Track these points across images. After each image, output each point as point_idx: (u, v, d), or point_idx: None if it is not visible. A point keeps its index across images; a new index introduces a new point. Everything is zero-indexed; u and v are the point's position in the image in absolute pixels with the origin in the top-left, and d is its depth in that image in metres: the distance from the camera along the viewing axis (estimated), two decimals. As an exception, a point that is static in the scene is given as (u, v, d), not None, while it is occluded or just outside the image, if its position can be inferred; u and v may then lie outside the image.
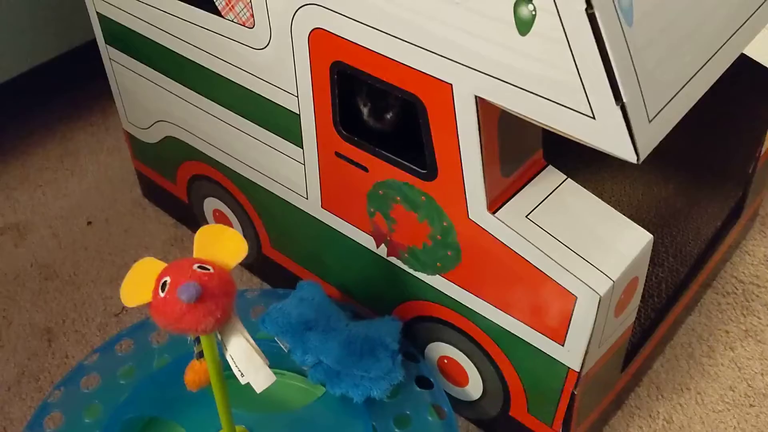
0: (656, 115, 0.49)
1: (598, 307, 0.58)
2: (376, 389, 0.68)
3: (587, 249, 0.59)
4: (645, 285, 0.81)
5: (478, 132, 0.56)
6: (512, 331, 0.65)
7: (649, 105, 0.48)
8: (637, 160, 0.48)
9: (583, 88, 0.47)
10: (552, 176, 0.63)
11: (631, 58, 0.47)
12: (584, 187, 0.63)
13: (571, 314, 0.59)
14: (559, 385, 0.65)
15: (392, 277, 0.72)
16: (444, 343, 0.73)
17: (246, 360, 0.54)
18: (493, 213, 0.60)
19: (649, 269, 0.83)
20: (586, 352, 0.61)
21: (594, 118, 0.48)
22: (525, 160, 0.62)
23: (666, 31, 0.50)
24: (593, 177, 0.93)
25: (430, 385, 0.71)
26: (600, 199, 0.62)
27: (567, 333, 0.61)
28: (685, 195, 0.92)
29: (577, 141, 0.50)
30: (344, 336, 0.70)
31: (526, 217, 0.60)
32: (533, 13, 0.47)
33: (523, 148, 0.62)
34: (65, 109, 1.19)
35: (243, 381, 0.55)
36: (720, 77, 0.59)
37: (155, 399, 0.70)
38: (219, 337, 0.55)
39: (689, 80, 0.52)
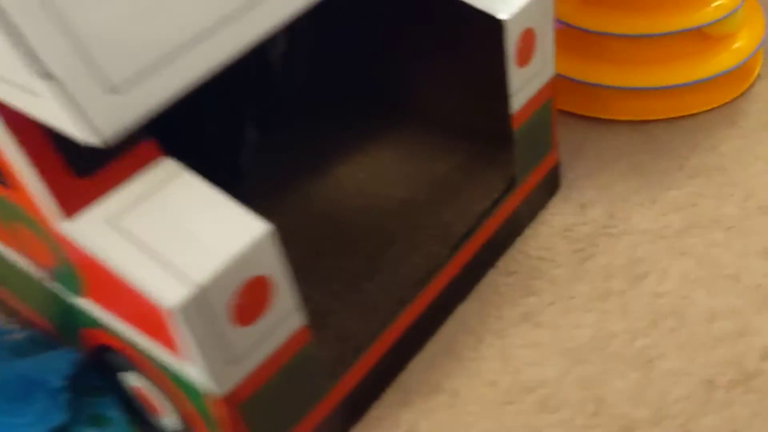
0: (125, 90, 0.40)
1: (190, 317, 0.48)
2: (26, 435, 0.59)
3: (180, 252, 0.49)
4: (393, 276, 0.73)
5: (5, 130, 0.47)
6: (153, 352, 0.56)
7: (107, 77, 0.39)
8: (103, 142, 0.39)
9: (15, 63, 0.38)
10: (164, 169, 0.54)
11: (63, 22, 0.38)
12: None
13: (174, 328, 0.50)
14: (213, 407, 0.55)
15: (61, 304, 0.64)
16: (125, 371, 0.64)
17: None
18: (72, 220, 0.51)
19: (402, 257, 0.74)
20: (213, 370, 0.52)
21: (39, 95, 0.39)
22: (117, 155, 0.53)
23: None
24: (370, 153, 0.85)
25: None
26: (217, 192, 0.53)
27: (184, 350, 0.51)
28: (463, 169, 0.82)
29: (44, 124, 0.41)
30: (-4, 378, 0.61)
31: (113, 220, 0.51)
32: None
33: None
34: None
35: None
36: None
37: None
38: None
39: (183, 47, 0.42)
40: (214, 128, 0.73)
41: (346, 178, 0.84)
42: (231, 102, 0.75)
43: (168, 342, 0.53)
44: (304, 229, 0.80)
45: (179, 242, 0.50)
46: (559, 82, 0.94)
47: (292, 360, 0.58)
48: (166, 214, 0.52)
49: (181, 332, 0.49)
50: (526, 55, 0.70)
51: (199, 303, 0.48)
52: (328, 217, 0.81)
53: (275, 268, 0.53)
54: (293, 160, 0.87)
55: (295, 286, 0.55)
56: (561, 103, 0.95)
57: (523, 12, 0.68)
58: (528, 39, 0.70)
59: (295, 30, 0.81)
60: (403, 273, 0.73)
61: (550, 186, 0.85)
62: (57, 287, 0.61)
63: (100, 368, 0.66)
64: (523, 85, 0.72)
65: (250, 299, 0.52)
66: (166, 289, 0.48)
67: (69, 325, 0.65)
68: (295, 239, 0.79)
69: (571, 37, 0.95)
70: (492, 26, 0.68)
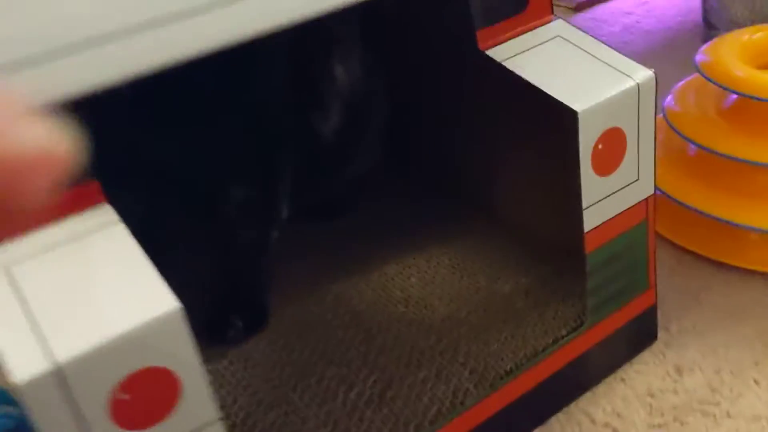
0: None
1: (40, 401, 0.38)
2: None
3: (61, 319, 0.39)
4: (406, 408, 0.58)
5: None
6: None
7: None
8: None
9: None
10: (94, 218, 0.44)
11: None
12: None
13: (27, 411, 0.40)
14: None
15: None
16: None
17: None
18: (-29, 258, 0.43)
19: (424, 386, 0.60)
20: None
21: None
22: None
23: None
24: (426, 255, 0.72)
25: None
26: (140, 254, 0.43)
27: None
28: (528, 293, 0.67)
29: None
30: None
31: (11, 267, 0.42)
32: None
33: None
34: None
35: None
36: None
37: None
38: None
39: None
40: (240, 195, 0.64)
41: (393, 279, 0.71)
42: (267, 174, 0.66)
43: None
44: (325, 328, 0.68)
45: (67, 306, 0.40)
46: (683, 213, 0.77)
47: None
48: (70, 269, 0.42)
49: (32, 419, 0.39)
50: (609, 161, 0.56)
51: (54, 386, 0.38)
52: (359, 319, 0.68)
53: (180, 361, 0.41)
54: (342, 248, 0.76)
55: (210, 388, 0.43)
56: (682, 237, 0.77)
57: (606, 106, 0.54)
58: (613, 141, 0.55)
59: (358, 114, 0.72)
60: (418, 407, 0.58)
61: (640, 335, 0.67)
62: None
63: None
64: (603, 198, 0.57)
65: (140, 397, 0.40)
66: (23, 359, 0.38)
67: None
68: (311, 338, 0.68)
69: (708, 163, 0.78)
70: (567, 119, 0.54)
